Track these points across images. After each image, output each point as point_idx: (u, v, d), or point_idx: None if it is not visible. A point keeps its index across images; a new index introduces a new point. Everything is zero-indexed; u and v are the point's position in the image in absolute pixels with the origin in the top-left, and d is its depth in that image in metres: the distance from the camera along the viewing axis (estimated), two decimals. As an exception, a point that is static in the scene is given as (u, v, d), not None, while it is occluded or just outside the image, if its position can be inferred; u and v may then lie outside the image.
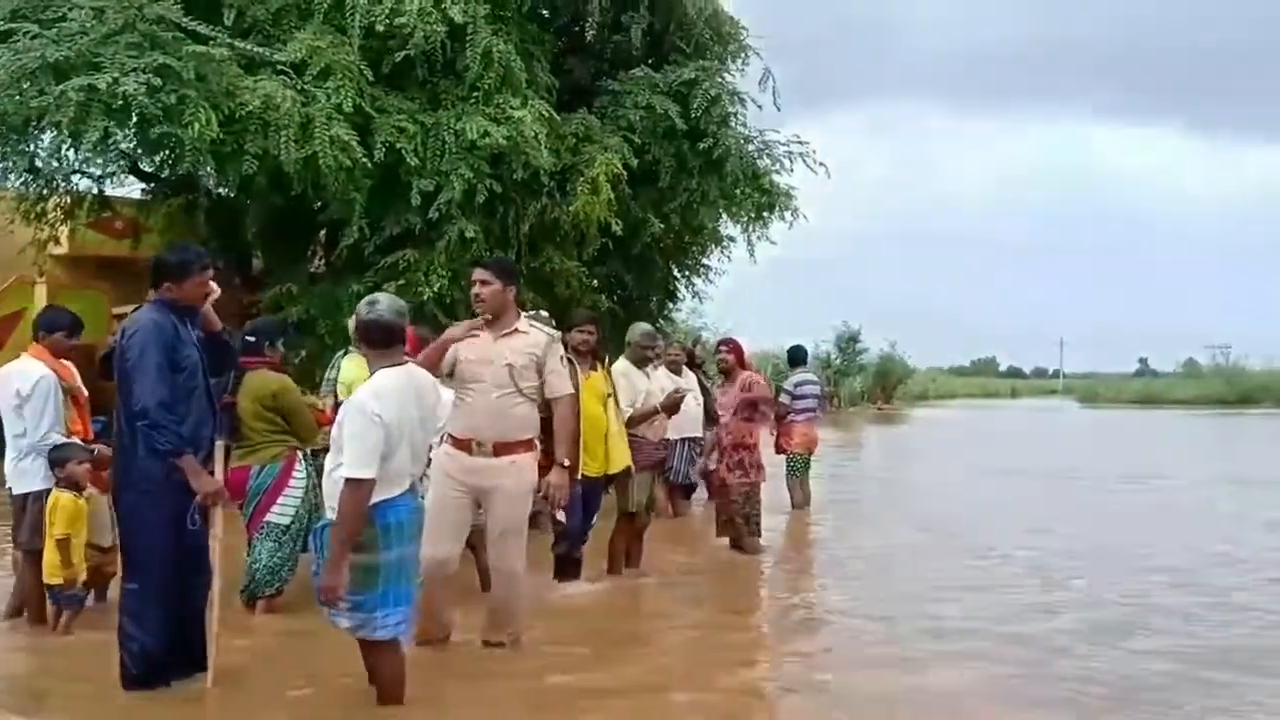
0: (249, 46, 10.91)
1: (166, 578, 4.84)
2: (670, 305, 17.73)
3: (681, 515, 11.25)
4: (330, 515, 4.48)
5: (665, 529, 10.11)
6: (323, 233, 13.09)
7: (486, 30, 11.48)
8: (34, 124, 10.38)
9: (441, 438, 5.63)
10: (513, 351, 5.52)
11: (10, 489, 6.18)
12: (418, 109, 11.58)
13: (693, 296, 18.31)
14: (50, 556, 5.91)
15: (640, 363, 8.16)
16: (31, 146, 11.11)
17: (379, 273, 11.71)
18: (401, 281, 11.50)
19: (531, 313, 10.06)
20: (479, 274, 5.63)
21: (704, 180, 13.46)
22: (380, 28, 11.09)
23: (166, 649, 4.88)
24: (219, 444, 5.04)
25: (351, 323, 4.72)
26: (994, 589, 7.92)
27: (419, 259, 11.63)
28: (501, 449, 5.48)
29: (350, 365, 7.18)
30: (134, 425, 4.79)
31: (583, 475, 6.96)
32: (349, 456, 4.30)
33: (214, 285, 5.27)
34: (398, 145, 11.16)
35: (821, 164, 14.54)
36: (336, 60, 10.95)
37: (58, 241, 14.48)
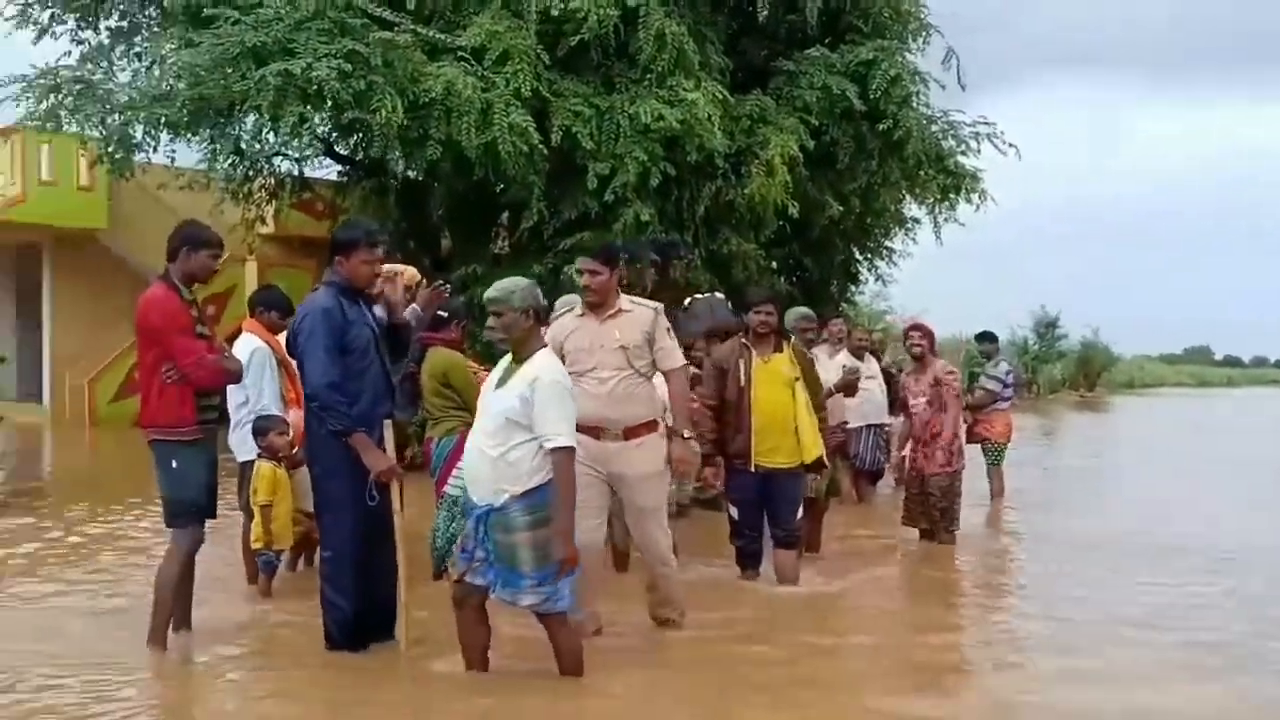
0: (431, 33, 11.27)
1: (356, 547, 5.04)
2: (852, 288, 17.51)
3: (867, 501, 11.12)
4: (491, 498, 4.46)
5: (853, 515, 9.98)
6: (505, 215, 13.43)
7: (659, 12, 11.53)
8: (238, 107, 11.01)
9: None
10: (622, 332, 5.45)
11: (235, 457, 6.61)
12: (592, 93, 11.73)
13: (875, 279, 18.06)
14: (255, 523, 6.31)
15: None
16: (236, 129, 11.78)
17: (558, 255, 11.93)
18: (580, 264, 11.68)
19: (708, 294, 10.16)
20: (586, 264, 5.52)
21: (884, 162, 13.25)
22: (555, 12, 11.29)
23: (363, 613, 5.09)
24: (388, 422, 5.14)
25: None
26: (1190, 587, 7.36)
27: (596, 241, 11.78)
28: (630, 433, 5.44)
29: None
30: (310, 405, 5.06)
31: (758, 465, 6.64)
32: (565, 427, 4.42)
33: (388, 266, 5.48)
34: (573, 129, 11.35)
35: (1011, 145, 14.13)
36: (514, 45, 11.18)
37: (264, 221, 15.34)
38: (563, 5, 11.25)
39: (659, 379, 5.72)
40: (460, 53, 11.22)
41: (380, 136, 10.95)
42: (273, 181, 14.29)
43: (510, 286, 4.61)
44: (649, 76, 11.67)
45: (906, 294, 35.34)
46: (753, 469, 6.69)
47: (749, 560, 7.00)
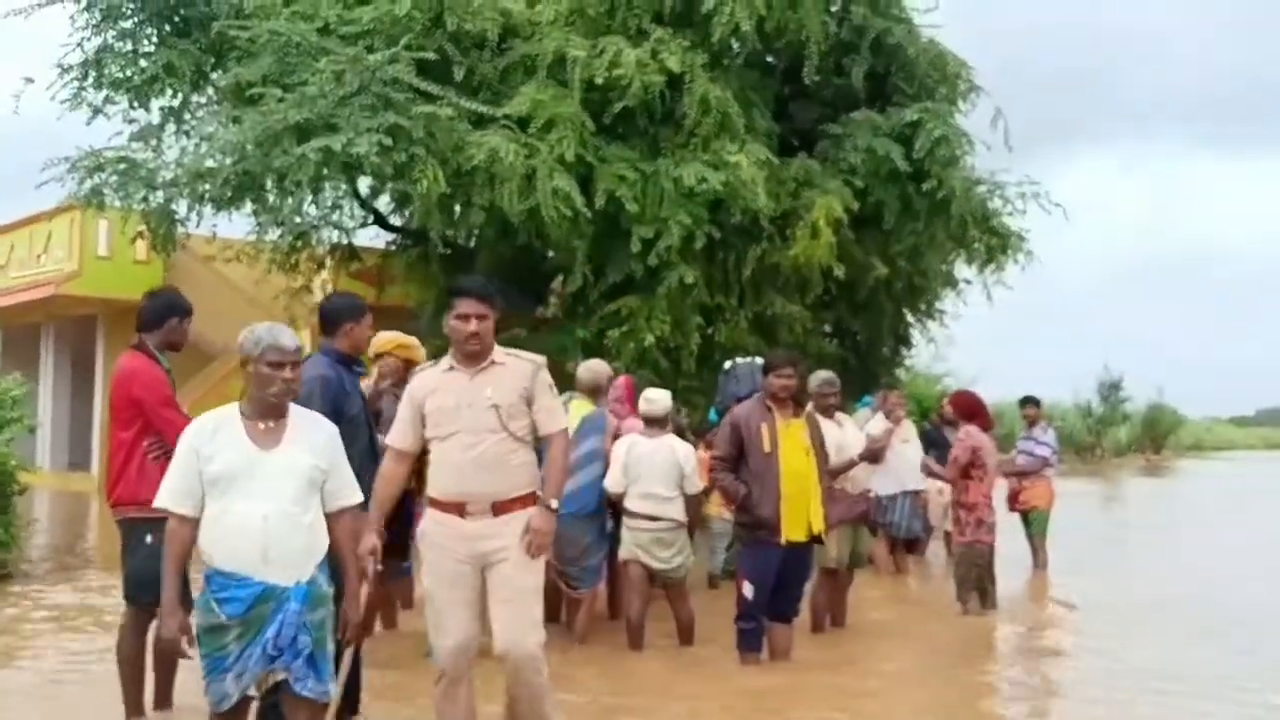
0: (474, 104, 11.33)
1: None
2: (904, 351, 17.21)
3: (905, 571, 10.81)
4: (300, 572, 3.89)
5: (888, 585, 9.75)
6: (559, 279, 13.37)
7: (704, 78, 11.56)
8: (284, 181, 11.05)
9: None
10: (495, 389, 4.57)
11: None
12: (638, 157, 11.72)
13: (928, 342, 17.74)
14: None
15: (824, 412, 7.56)
16: (278, 203, 11.85)
17: (603, 319, 11.90)
18: (625, 328, 11.66)
19: (747, 360, 9.98)
20: (473, 306, 4.56)
21: (930, 223, 13.06)
22: (600, 80, 11.31)
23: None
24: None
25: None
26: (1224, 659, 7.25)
27: (640, 305, 11.74)
28: (501, 508, 4.55)
29: (574, 409, 7.13)
30: None
31: (788, 541, 6.40)
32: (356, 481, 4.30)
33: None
34: (617, 194, 11.32)
35: (1057, 204, 13.95)
36: (559, 113, 11.24)
37: (309, 290, 15.41)
38: (608, 73, 11.28)
39: None
40: (505, 121, 11.27)
41: (421, 206, 11.00)
42: (320, 251, 14.38)
43: (291, 336, 4.02)
44: (694, 141, 11.65)
45: (969, 357, 34.05)
46: (782, 543, 6.37)
47: (757, 642, 6.65)
